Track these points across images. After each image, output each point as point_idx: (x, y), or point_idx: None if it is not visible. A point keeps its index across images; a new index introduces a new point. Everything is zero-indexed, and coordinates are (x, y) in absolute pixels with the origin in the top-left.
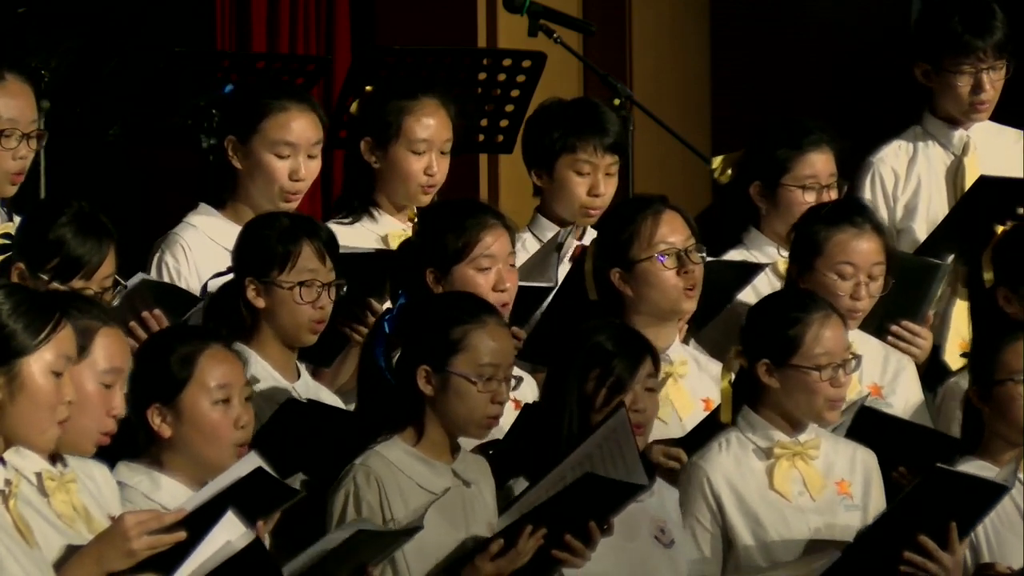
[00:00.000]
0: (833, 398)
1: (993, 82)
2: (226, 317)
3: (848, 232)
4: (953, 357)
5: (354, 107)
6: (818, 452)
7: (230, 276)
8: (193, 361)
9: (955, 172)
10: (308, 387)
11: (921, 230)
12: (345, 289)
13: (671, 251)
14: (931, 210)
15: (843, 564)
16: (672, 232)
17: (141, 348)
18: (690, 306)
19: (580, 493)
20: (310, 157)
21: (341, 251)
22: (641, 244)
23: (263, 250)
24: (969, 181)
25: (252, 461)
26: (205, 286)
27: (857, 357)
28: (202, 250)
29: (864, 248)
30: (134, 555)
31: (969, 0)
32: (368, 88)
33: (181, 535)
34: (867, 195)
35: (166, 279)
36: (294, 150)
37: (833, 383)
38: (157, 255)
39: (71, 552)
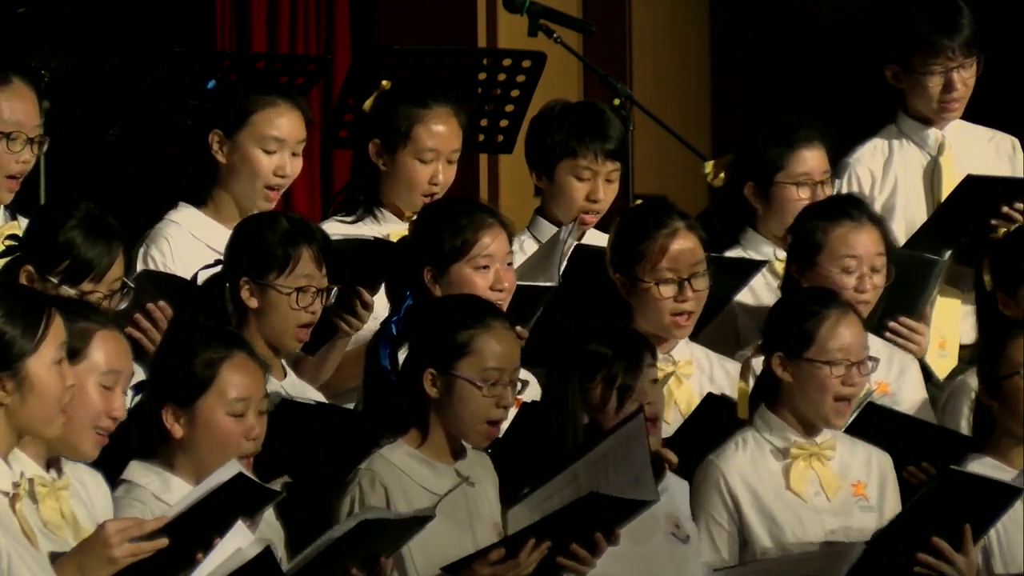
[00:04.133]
0: (842, 396)
1: (964, 80)
2: (212, 311)
3: (847, 226)
4: (932, 356)
5: (368, 104)
6: (834, 453)
7: (219, 268)
8: (216, 368)
9: (931, 172)
10: (295, 386)
11: (899, 230)
12: (336, 292)
13: (672, 280)
14: (908, 210)
15: (859, 565)
16: (679, 257)
17: (164, 344)
18: (682, 333)
19: (585, 509)
20: (294, 155)
21: (338, 237)
22: (646, 265)
23: (262, 251)
24: (946, 181)
25: (232, 467)
26: (195, 277)
27: (875, 359)
28: (185, 246)
29: (865, 240)
30: (115, 562)
31: None
32: (385, 83)
33: (163, 542)
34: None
35: None
36: (281, 146)
37: (845, 381)
38: (142, 250)
39: (55, 558)
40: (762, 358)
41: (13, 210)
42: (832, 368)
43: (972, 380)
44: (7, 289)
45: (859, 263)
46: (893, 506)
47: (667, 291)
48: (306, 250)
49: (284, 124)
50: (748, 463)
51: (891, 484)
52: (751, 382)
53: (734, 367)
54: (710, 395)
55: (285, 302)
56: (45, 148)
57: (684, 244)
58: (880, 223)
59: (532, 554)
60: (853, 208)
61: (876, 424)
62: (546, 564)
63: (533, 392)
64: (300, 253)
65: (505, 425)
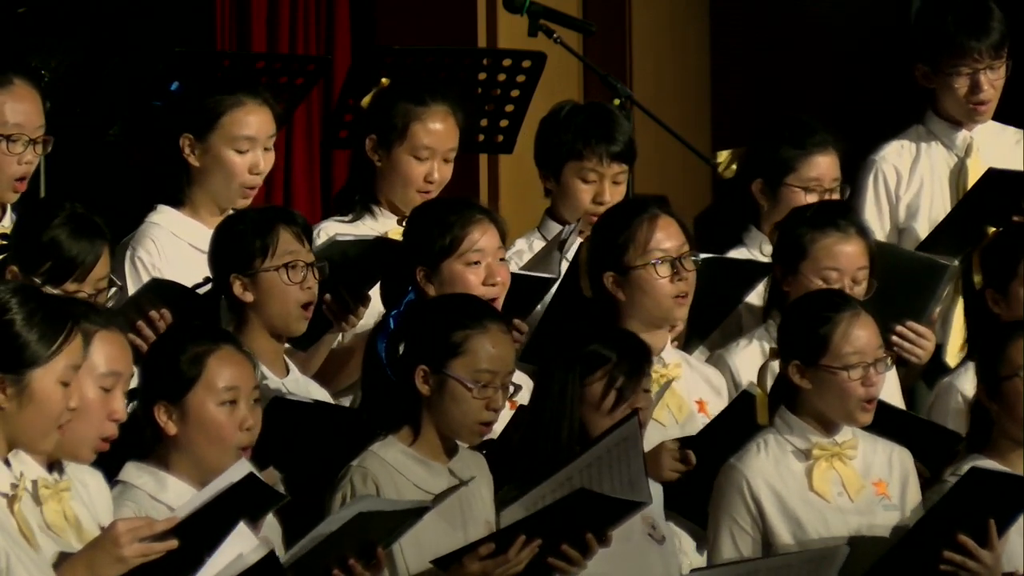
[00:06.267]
0: (865, 398)
1: (992, 82)
2: (217, 321)
3: (833, 236)
4: (954, 357)
5: (367, 100)
6: (856, 452)
7: (208, 286)
8: (202, 361)
9: (958, 173)
10: (298, 383)
11: (923, 230)
12: (327, 270)
13: (666, 258)
14: (933, 210)
15: (885, 565)
16: (667, 238)
17: (153, 344)
18: (681, 314)
19: (576, 506)
20: (266, 150)
21: (339, 237)
22: (636, 251)
23: (242, 245)
24: (972, 182)
25: (243, 467)
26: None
27: (892, 354)
28: (169, 246)
29: (849, 252)
30: (125, 562)
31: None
32: (384, 80)
33: (173, 543)
34: (869, 193)
35: (142, 274)
36: (252, 144)
37: (865, 383)
38: (128, 253)
39: (63, 558)
40: (778, 361)
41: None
42: (850, 372)
43: (958, 382)
44: (35, 294)
45: (840, 275)
46: (914, 503)
47: (664, 270)
48: (283, 230)
49: (253, 122)
50: (771, 466)
51: (912, 480)
52: (768, 386)
53: (714, 373)
54: (745, 392)
55: (278, 282)
56: (49, 148)
57: (668, 226)
58: (867, 234)
59: (522, 551)
60: (841, 218)
61: (873, 420)
62: (537, 564)
63: (527, 396)
64: (277, 234)
65: (500, 426)
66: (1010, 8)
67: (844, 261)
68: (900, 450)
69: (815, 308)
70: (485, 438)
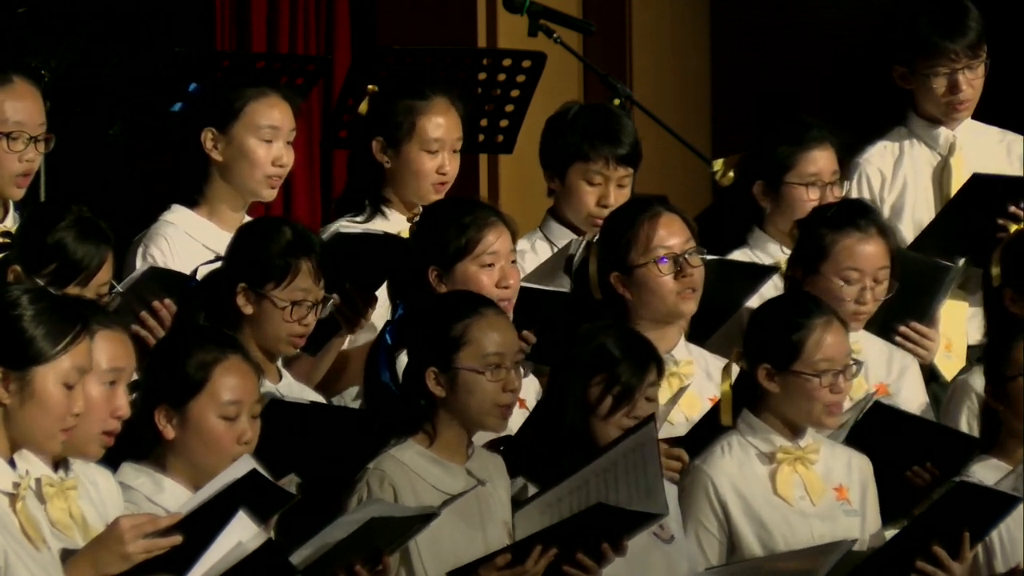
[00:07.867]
0: (831, 404)
1: (970, 81)
2: (212, 308)
3: (854, 237)
4: (939, 357)
5: (363, 107)
6: (818, 457)
7: (218, 264)
8: (209, 370)
9: (941, 172)
10: (292, 388)
11: (907, 230)
12: (332, 304)
13: (669, 256)
14: (917, 211)
15: (862, 572)
16: (670, 236)
17: (160, 344)
18: (689, 308)
19: (593, 519)
20: (288, 144)
21: (342, 230)
22: (639, 249)
23: (262, 260)
24: (955, 181)
25: (246, 463)
26: (195, 272)
27: (859, 363)
28: (182, 245)
29: (870, 253)
30: (129, 559)
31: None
32: (371, 87)
33: (177, 539)
34: (854, 196)
35: None
36: (276, 134)
37: (833, 389)
38: (140, 250)
39: (67, 555)
40: (740, 362)
41: (21, 212)
42: (821, 379)
43: (973, 380)
44: (47, 295)
45: (862, 275)
46: (873, 510)
47: (666, 268)
48: (304, 263)
49: (276, 113)
50: (735, 468)
51: (872, 488)
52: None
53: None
54: None
55: (279, 314)
56: (51, 146)
57: (671, 223)
58: (887, 234)
59: (539, 561)
60: (861, 218)
61: (882, 423)
62: (552, 572)
63: (530, 390)
64: (299, 266)
65: (514, 425)
66: (989, 5)
67: (865, 261)
68: (859, 456)
69: (788, 313)
70: (504, 433)
